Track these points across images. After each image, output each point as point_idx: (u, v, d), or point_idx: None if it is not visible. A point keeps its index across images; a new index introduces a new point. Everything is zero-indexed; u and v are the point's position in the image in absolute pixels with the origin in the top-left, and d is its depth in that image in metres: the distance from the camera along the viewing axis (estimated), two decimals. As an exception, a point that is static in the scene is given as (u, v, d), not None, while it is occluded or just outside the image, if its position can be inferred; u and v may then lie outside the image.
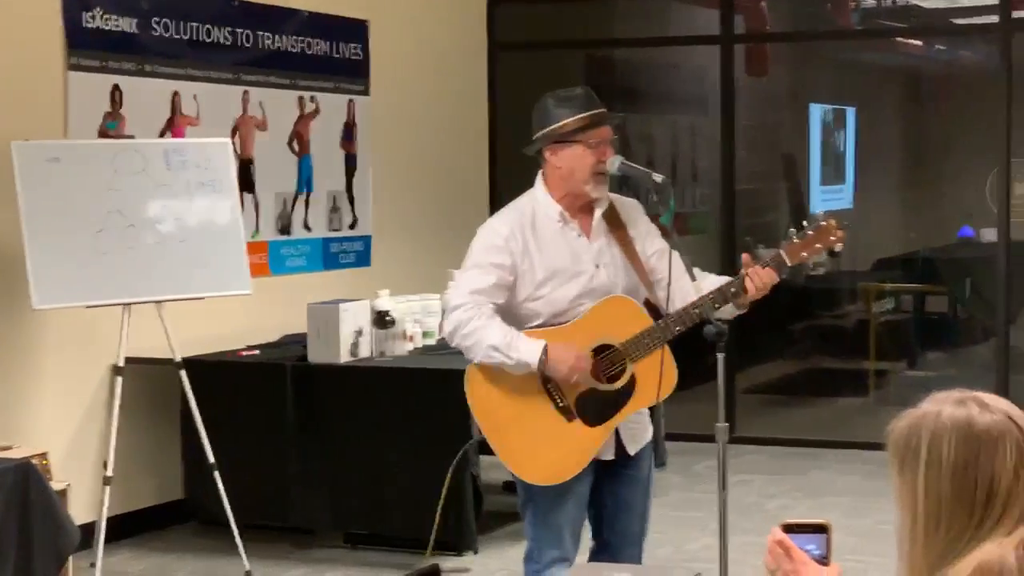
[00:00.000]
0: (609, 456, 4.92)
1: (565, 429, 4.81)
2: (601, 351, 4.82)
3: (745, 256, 4.82)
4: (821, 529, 2.77)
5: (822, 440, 10.16)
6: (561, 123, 4.82)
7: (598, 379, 4.82)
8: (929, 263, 12.53)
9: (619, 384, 4.82)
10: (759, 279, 4.72)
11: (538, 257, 4.84)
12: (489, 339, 4.75)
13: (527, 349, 4.74)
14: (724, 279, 4.83)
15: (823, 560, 2.74)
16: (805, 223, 4.84)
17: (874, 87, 13.80)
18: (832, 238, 4.81)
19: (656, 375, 4.78)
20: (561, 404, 4.82)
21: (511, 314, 4.86)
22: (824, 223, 4.81)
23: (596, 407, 4.82)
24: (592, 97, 4.89)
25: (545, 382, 4.81)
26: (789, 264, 4.80)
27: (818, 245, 4.81)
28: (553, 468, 4.83)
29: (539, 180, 4.94)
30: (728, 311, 4.83)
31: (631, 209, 5.01)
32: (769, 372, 12.05)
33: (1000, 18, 9.93)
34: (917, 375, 11.79)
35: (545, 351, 4.73)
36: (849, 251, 12.29)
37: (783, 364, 12.35)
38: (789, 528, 2.75)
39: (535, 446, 4.83)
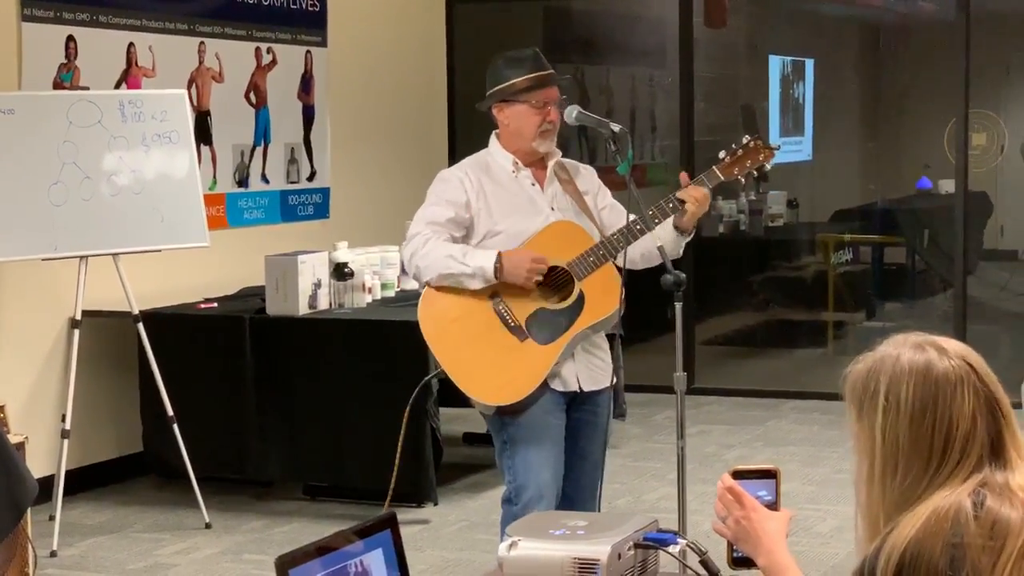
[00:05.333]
0: (573, 387, 4.99)
1: (518, 349, 4.91)
2: (548, 273, 4.93)
3: (683, 174, 4.98)
4: (770, 475, 2.80)
5: (780, 391, 10.19)
6: (509, 83, 5.03)
7: (547, 298, 4.93)
8: (887, 214, 12.57)
9: (568, 302, 4.93)
10: (690, 192, 4.86)
11: (494, 197, 5.01)
12: (445, 250, 4.88)
13: (483, 256, 4.87)
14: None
15: (773, 505, 2.77)
16: (734, 144, 5.03)
17: (833, 38, 13.79)
18: (761, 156, 5.02)
19: (603, 291, 4.91)
20: (512, 324, 4.93)
21: None
22: (753, 144, 5.03)
23: (547, 326, 4.92)
24: (540, 59, 5.08)
25: (496, 304, 4.92)
26: (722, 178, 4.98)
27: (748, 163, 5.02)
28: (508, 387, 4.92)
29: (493, 137, 5.14)
30: (673, 241, 4.93)
31: (583, 171, 5.21)
32: (727, 323, 12.07)
33: (959, -32, 9.93)
34: (875, 326, 11.83)
35: (499, 259, 4.85)
36: (808, 202, 12.34)
37: (741, 315, 12.37)
38: (739, 475, 2.78)
39: (489, 367, 4.93)
